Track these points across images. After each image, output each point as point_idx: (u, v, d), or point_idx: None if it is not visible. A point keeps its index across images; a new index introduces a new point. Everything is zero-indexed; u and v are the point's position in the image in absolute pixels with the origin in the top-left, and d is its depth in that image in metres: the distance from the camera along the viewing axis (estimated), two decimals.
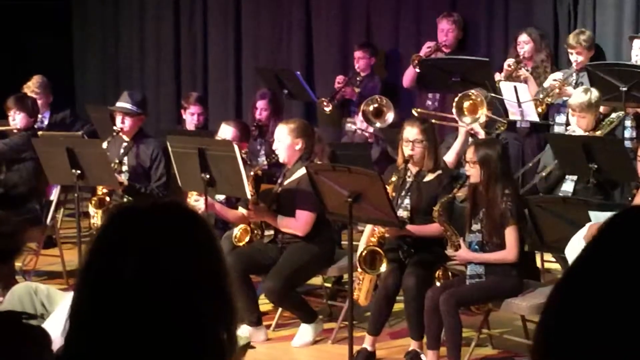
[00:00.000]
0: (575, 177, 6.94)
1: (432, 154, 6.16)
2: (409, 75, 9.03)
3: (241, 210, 6.66)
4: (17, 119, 8.04)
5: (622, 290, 1.30)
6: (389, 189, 6.01)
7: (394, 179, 6.14)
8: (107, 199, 7.23)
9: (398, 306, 6.27)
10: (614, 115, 7.18)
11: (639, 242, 1.33)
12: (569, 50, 8.00)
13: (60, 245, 7.96)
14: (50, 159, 7.19)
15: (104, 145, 7.34)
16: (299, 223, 6.41)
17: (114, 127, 7.53)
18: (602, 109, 7.22)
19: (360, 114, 8.05)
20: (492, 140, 6.47)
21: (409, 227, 6.05)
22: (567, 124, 7.38)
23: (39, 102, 9.20)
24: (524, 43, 8.47)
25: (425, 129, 6.18)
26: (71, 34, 12.41)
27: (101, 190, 7.29)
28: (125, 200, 7.21)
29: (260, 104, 8.81)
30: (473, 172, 5.80)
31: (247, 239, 6.65)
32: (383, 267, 6.05)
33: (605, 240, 1.37)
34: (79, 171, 6.93)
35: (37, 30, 11.73)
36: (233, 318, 1.77)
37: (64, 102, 10.10)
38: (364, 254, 6.07)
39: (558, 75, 8.00)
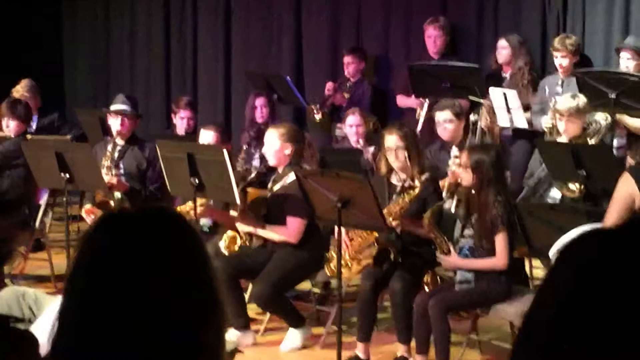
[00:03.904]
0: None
1: (416, 158, 6.17)
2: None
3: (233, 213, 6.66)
4: (10, 126, 8.01)
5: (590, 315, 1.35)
6: (406, 198, 6.03)
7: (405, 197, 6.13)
8: (111, 202, 7.20)
9: (388, 312, 6.28)
10: (602, 122, 7.19)
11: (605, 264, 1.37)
12: (554, 54, 8.04)
13: (49, 249, 7.94)
14: (39, 163, 7.17)
15: (109, 148, 7.35)
16: (290, 230, 6.40)
17: (114, 130, 7.50)
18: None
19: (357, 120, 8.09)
20: (487, 146, 6.48)
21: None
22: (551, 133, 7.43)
23: None
24: (502, 49, 8.56)
25: (405, 135, 6.19)
26: (61, 38, 12.40)
27: (101, 192, 7.24)
28: (122, 203, 7.21)
29: (259, 101, 8.79)
30: (466, 177, 5.81)
31: (236, 247, 6.60)
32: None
33: (565, 263, 1.41)
34: (67, 175, 6.91)
35: (27, 34, 11.71)
36: (221, 322, 1.77)
37: (53, 106, 10.08)
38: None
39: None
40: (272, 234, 6.47)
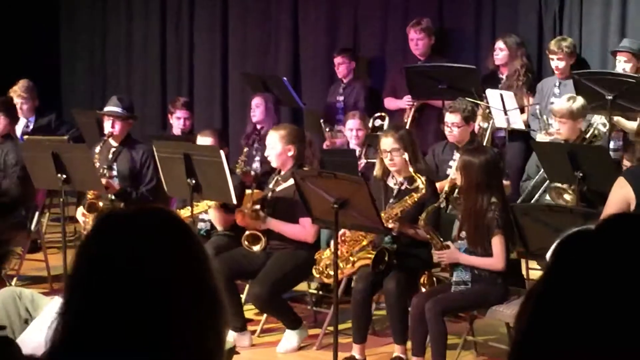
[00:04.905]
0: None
1: (413, 160, 6.16)
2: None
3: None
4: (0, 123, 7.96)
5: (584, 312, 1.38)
6: (409, 201, 6.02)
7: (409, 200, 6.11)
8: (100, 203, 7.18)
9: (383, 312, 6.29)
10: (601, 128, 7.19)
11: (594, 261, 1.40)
12: (550, 56, 8.06)
13: (45, 250, 7.93)
14: (36, 164, 7.16)
15: (97, 149, 7.33)
16: (307, 230, 6.37)
17: (106, 132, 7.50)
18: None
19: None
20: (480, 149, 6.44)
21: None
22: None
23: (25, 106, 9.18)
24: (499, 50, 8.56)
25: (401, 137, 6.18)
26: (59, 38, 12.39)
27: (92, 194, 7.23)
28: (114, 205, 7.20)
29: (254, 101, 8.77)
30: (458, 177, 5.83)
31: (259, 246, 6.53)
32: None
33: (561, 262, 1.45)
34: (64, 176, 6.90)
35: (25, 35, 11.70)
36: (221, 323, 1.77)
37: (50, 107, 10.07)
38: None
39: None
40: (288, 230, 6.46)
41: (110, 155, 7.48)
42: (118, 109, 7.50)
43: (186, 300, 1.71)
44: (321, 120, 8.90)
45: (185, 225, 1.83)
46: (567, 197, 6.74)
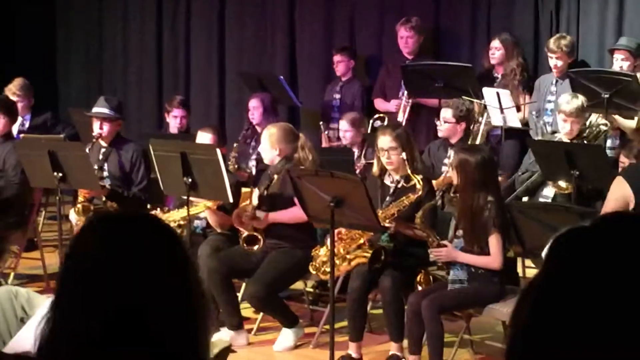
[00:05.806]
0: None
1: (410, 159, 6.16)
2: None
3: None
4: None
5: (581, 307, 1.38)
6: (406, 201, 6.02)
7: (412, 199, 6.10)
8: (91, 207, 7.17)
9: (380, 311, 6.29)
10: (602, 127, 7.20)
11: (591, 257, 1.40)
12: (549, 55, 8.04)
13: (42, 248, 7.92)
14: (32, 162, 7.15)
15: (86, 151, 7.32)
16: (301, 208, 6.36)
17: (94, 133, 7.49)
18: None
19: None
20: (475, 148, 6.45)
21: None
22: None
23: (21, 104, 9.14)
24: (496, 49, 8.55)
25: (398, 136, 6.18)
26: (55, 37, 12.38)
27: (83, 195, 7.23)
28: (107, 205, 7.20)
29: (252, 102, 8.77)
30: (454, 176, 5.83)
31: (257, 246, 6.53)
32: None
33: (557, 259, 1.45)
34: (60, 174, 6.90)
35: (21, 33, 11.69)
36: (205, 326, 1.80)
37: (46, 105, 10.06)
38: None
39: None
40: (286, 216, 6.45)
41: (100, 156, 7.47)
42: (106, 110, 7.49)
43: (170, 302, 1.74)
44: (320, 123, 8.92)
45: (174, 232, 1.88)
46: (562, 183, 6.75)
